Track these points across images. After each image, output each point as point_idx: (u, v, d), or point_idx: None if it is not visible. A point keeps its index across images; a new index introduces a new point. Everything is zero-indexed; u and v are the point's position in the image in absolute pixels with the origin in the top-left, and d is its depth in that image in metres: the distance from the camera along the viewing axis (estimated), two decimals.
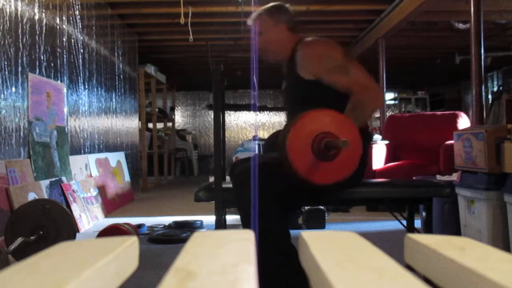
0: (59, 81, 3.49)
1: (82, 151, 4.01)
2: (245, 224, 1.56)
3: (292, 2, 4.92)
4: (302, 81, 1.64)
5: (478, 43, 2.82)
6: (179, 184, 7.38)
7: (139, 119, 6.24)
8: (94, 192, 3.87)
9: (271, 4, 1.82)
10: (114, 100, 5.04)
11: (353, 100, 1.53)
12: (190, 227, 3.28)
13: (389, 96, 10.33)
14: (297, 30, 1.80)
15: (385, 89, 5.64)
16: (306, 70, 1.64)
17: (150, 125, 7.09)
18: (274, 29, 1.76)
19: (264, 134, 11.07)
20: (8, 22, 2.73)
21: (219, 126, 1.66)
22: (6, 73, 2.70)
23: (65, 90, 3.59)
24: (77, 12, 3.93)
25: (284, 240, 1.54)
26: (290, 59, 1.72)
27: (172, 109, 9.14)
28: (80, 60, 3.98)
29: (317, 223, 3.27)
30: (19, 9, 2.88)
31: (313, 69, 1.63)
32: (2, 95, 2.66)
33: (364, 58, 4.90)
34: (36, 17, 3.12)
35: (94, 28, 4.39)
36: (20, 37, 2.89)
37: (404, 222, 1.97)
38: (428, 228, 1.86)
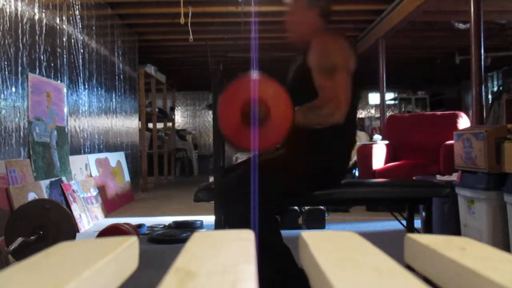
0: (59, 81, 3.49)
1: (82, 151, 4.01)
2: (234, 225, 1.54)
3: None
4: (308, 73, 1.62)
5: (478, 43, 2.82)
6: (179, 184, 7.38)
7: (139, 119, 6.24)
8: (94, 192, 3.87)
9: None
10: (114, 100, 5.04)
11: (314, 104, 1.53)
12: (190, 227, 3.28)
13: (389, 96, 10.32)
14: (328, 20, 1.78)
15: (385, 89, 5.64)
16: (309, 61, 1.63)
17: (150, 125, 7.09)
18: (305, 11, 1.74)
19: None
20: (8, 22, 2.73)
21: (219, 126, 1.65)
22: (6, 73, 2.70)
23: (65, 90, 3.59)
24: (77, 12, 3.93)
25: (277, 241, 1.54)
26: (307, 48, 1.70)
27: (172, 109, 9.13)
28: (80, 60, 3.98)
29: (317, 223, 3.27)
30: (19, 9, 2.88)
31: (311, 62, 1.62)
32: (2, 95, 2.66)
33: (364, 58, 4.89)
34: (36, 17, 3.12)
35: (94, 28, 4.39)
36: (20, 37, 2.88)
37: (404, 222, 1.97)
38: (428, 228, 1.86)
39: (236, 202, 1.49)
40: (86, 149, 4.12)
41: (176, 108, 10.64)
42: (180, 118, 11.22)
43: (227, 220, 1.57)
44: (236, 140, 1.40)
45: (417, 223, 2.30)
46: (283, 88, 1.41)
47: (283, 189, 1.61)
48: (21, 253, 2.12)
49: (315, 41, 1.64)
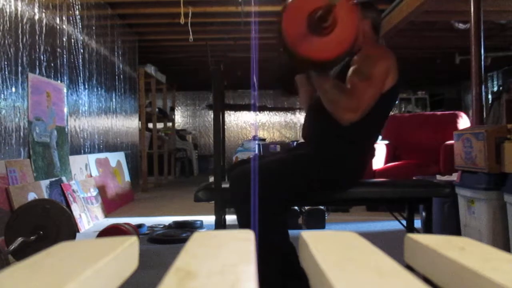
0: (59, 81, 3.49)
1: (82, 151, 4.01)
2: (243, 224, 1.56)
3: None
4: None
5: (478, 43, 2.82)
6: (179, 184, 7.38)
7: (139, 119, 6.24)
8: (94, 192, 3.87)
9: None
10: (114, 100, 5.04)
11: (345, 89, 1.54)
12: (190, 227, 3.28)
13: None
14: (377, 32, 1.82)
15: None
16: (353, 62, 1.65)
17: (150, 125, 7.09)
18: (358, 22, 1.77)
19: (264, 134, 11.07)
20: (8, 22, 2.73)
21: (219, 126, 1.66)
22: (6, 73, 2.70)
23: (65, 90, 3.59)
24: (77, 12, 3.93)
25: (283, 239, 1.54)
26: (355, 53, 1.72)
27: (172, 109, 9.13)
28: (80, 60, 3.98)
29: (317, 223, 3.27)
30: (19, 9, 2.88)
31: (354, 62, 1.64)
32: (2, 95, 2.66)
33: None
34: (36, 17, 3.12)
35: (94, 28, 4.39)
36: (20, 37, 2.88)
37: (404, 222, 1.97)
38: (428, 228, 1.86)
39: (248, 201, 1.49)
40: (86, 149, 4.11)
41: (176, 108, 10.64)
42: (180, 118, 11.22)
43: (240, 219, 1.56)
44: (298, 48, 1.35)
45: (417, 223, 2.30)
46: (354, 6, 1.40)
47: (289, 190, 1.61)
48: (21, 253, 2.13)
49: (366, 48, 1.68)
